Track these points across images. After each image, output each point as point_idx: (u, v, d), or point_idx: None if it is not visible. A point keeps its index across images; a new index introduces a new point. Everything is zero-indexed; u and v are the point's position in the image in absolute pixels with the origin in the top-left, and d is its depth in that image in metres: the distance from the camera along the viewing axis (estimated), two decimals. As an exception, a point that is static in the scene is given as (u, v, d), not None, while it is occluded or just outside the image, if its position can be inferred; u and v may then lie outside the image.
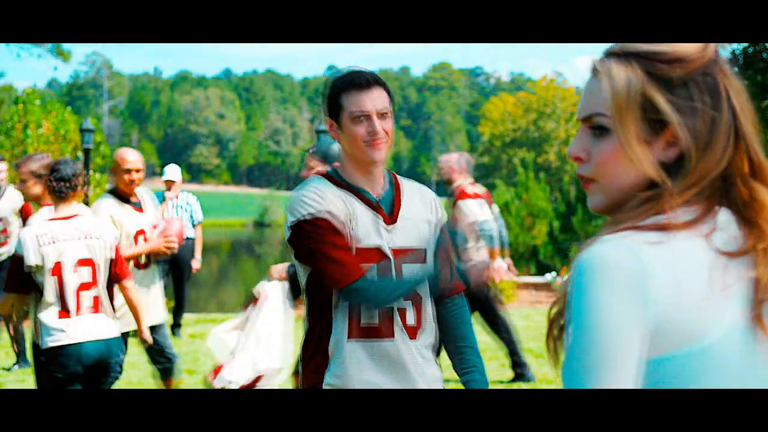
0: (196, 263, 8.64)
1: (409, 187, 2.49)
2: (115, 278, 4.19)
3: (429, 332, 2.43)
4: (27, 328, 6.34)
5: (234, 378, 5.23)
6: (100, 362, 4.08)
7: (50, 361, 3.98)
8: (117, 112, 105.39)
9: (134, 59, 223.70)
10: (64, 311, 4.00)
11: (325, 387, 2.37)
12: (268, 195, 72.27)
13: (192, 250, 8.49)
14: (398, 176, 2.53)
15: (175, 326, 8.76)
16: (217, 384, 5.28)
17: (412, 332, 2.38)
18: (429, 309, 2.43)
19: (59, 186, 4.05)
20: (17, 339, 6.98)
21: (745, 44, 10.30)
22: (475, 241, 6.21)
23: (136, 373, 6.84)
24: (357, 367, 2.33)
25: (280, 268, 4.80)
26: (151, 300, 5.04)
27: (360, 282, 2.27)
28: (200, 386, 6.38)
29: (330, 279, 2.29)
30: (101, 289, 4.11)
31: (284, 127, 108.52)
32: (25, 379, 6.60)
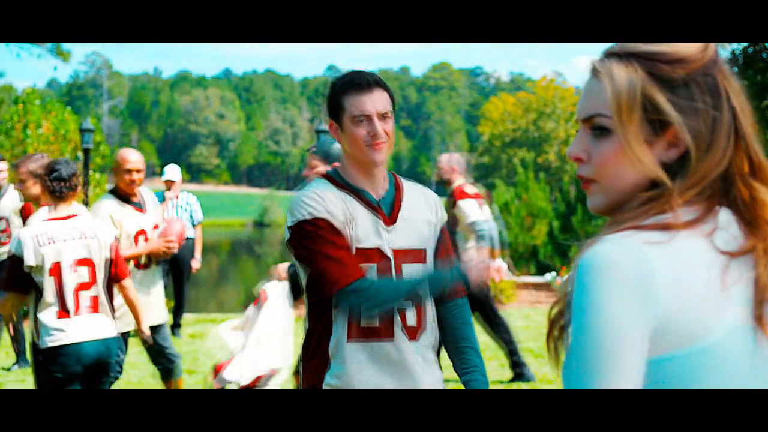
0: (195, 263, 8.64)
1: (410, 188, 2.49)
2: (114, 278, 4.19)
3: (430, 333, 2.43)
4: (27, 328, 6.33)
5: (235, 378, 5.23)
6: (99, 362, 4.08)
7: (49, 361, 3.98)
8: (117, 112, 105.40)
9: (134, 59, 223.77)
10: (63, 311, 4.00)
11: (324, 387, 2.37)
12: (267, 195, 72.26)
13: (192, 250, 8.49)
14: (400, 177, 2.53)
15: (175, 326, 8.76)
16: (218, 383, 5.29)
17: (413, 333, 2.38)
18: (430, 310, 2.43)
19: (57, 186, 4.05)
20: (17, 339, 6.98)
21: (745, 44, 10.30)
22: (473, 241, 6.21)
23: (136, 373, 6.84)
24: (357, 368, 2.33)
25: (281, 268, 4.80)
26: (152, 300, 5.04)
27: (356, 285, 2.27)
28: (200, 386, 6.38)
29: (326, 281, 2.29)
30: (100, 289, 4.11)
31: (284, 127, 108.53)
32: (24, 379, 6.60)
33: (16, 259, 3.98)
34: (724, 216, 1.15)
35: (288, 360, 5.32)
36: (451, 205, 6.22)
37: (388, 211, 2.40)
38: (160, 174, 8.65)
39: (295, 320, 5.42)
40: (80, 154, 11.50)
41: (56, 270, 3.99)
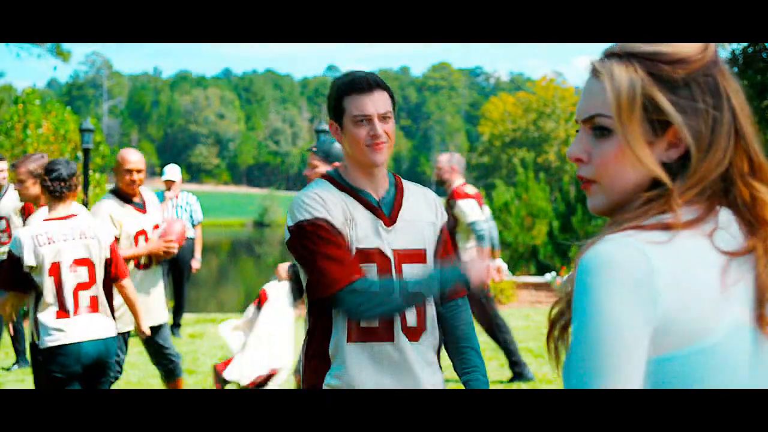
0: (195, 263, 8.64)
1: (411, 190, 2.50)
2: (113, 278, 4.19)
3: (431, 334, 2.43)
4: (27, 328, 6.33)
5: (235, 377, 5.24)
6: (99, 362, 4.08)
7: (49, 361, 3.98)
8: (117, 112, 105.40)
9: (134, 59, 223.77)
10: (63, 311, 4.00)
11: (324, 387, 2.37)
12: (267, 195, 72.25)
13: (192, 250, 8.49)
14: (402, 179, 2.53)
15: (175, 326, 8.76)
16: (219, 383, 5.29)
17: (414, 334, 2.38)
18: (430, 310, 2.43)
19: (56, 186, 4.05)
20: (17, 339, 6.98)
21: (745, 44, 10.30)
22: (472, 241, 6.21)
23: (136, 373, 6.84)
24: (357, 369, 2.33)
25: (282, 268, 4.81)
26: (152, 301, 5.03)
27: (356, 285, 2.28)
28: (200, 386, 6.38)
29: (326, 280, 2.30)
30: (99, 289, 4.11)
31: (284, 126, 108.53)
32: (24, 379, 6.60)
33: (15, 259, 3.98)
34: (725, 216, 1.15)
35: (289, 360, 5.33)
36: (450, 206, 6.23)
37: (388, 211, 2.41)
38: (160, 174, 8.65)
39: (296, 320, 5.42)
40: (80, 154, 11.50)
41: (55, 270, 3.99)
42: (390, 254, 2.36)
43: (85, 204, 10.68)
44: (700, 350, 1.08)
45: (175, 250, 5.02)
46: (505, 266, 6.88)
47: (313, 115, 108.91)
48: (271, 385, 5.21)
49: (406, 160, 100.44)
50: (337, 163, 3.69)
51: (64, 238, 4.02)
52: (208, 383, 6.48)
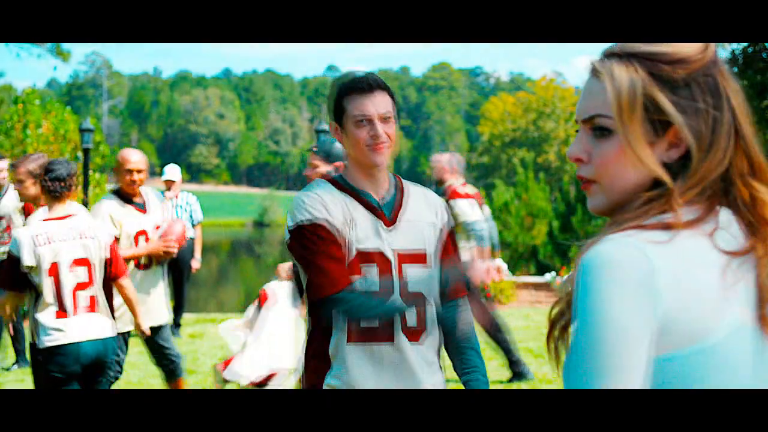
0: (195, 263, 8.64)
1: (413, 191, 2.50)
2: (112, 277, 4.20)
3: (432, 334, 2.43)
4: (27, 327, 6.34)
5: (245, 373, 5.23)
6: (98, 361, 4.09)
7: (48, 361, 3.98)
8: (116, 112, 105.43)
9: (134, 59, 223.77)
10: (62, 311, 4.00)
11: (324, 388, 2.37)
12: (267, 195, 72.28)
13: (192, 250, 8.49)
14: (404, 180, 2.53)
15: (175, 326, 8.76)
16: (227, 376, 5.29)
17: (414, 335, 2.38)
18: (431, 311, 2.43)
19: (55, 186, 4.05)
20: (17, 338, 6.98)
21: (745, 44, 10.30)
22: (467, 241, 6.22)
23: (136, 373, 6.84)
24: (357, 370, 2.33)
25: (284, 268, 4.80)
26: (153, 301, 5.02)
27: (342, 294, 2.29)
28: (201, 386, 6.38)
29: (315, 286, 2.31)
30: (98, 289, 4.12)
31: (284, 126, 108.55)
32: (24, 379, 6.60)
33: (14, 260, 3.98)
34: (725, 216, 1.15)
35: (291, 360, 5.32)
36: (448, 205, 6.21)
37: (389, 212, 2.41)
38: (160, 174, 8.65)
39: (298, 320, 5.42)
40: (80, 154, 11.51)
41: (54, 270, 3.99)
42: (390, 255, 2.36)
43: (85, 204, 10.69)
44: (701, 350, 1.08)
45: (175, 251, 5.02)
46: (505, 266, 6.89)
47: (313, 115, 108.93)
48: (277, 384, 5.21)
49: (406, 160, 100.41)
50: (337, 163, 3.69)
51: (62, 238, 4.02)
52: (208, 383, 6.48)
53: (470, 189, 6.43)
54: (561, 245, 14.55)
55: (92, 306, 4.08)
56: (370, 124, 2.34)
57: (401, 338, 2.35)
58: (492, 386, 5.15)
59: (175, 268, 8.51)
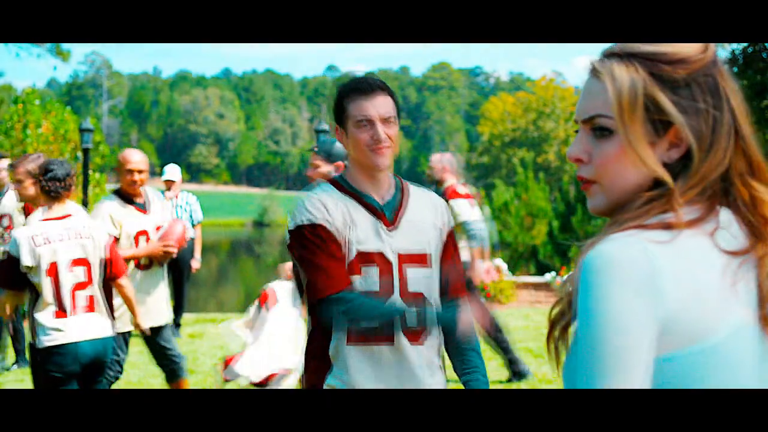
0: (195, 263, 8.64)
1: (416, 193, 2.50)
2: (110, 276, 4.20)
3: (433, 336, 2.43)
4: (26, 327, 6.33)
5: (246, 373, 5.23)
6: (96, 361, 4.09)
7: (47, 361, 3.99)
8: (116, 112, 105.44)
9: (134, 59, 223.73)
10: (61, 311, 4.01)
11: (325, 388, 2.38)
12: (267, 195, 72.29)
13: (191, 250, 8.49)
14: (407, 182, 2.54)
15: (175, 326, 8.76)
16: (228, 375, 5.28)
17: (415, 336, 2.38)
18: (432, 312, 2.43)
19: (52, 186, 4.06)
20: (17, 338, 6.98)
21: (745, 44, 10.30)
22: (465, 241, 6.22)
23: (136, 373, 6.84)
24: (357, 371, 2.33)
25: (287, 267, 4.81)
26: (154, 301, 5.02)
27: (342, 294, 2.29)
28: (200, 386, 6.38)
29: (314, 286, 2.32)
30: (96, 289, 4.12)
31: (283, 126, 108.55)
32: (23, 379, 6.60)
33: (12, 260, 3.99)
34: (725, 216, 1.15)
35: (294, 360, 5.32)
36: None
37: (390, 214, 2.41)
38: (160, 174, 8.65)
39: (300, 320, 5.42)
40: (80, 153, 11.51)
41: (53, 270, 3.99)
42: (392, 257, 2.36)
43: (85, 204, 10.69)
44: (701, 350, 1.08)
45: (175, 253, 5.01)
46: (504, 266, 6.89)
47: (313, 115, 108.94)
48: (284, 384, 5.20)
49: (405, 160, 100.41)
50: (338, 163, 3.70)
51: (60, 238, 4.03)
52: (208, 383, 6.48)
53: (465, 189, 6.44)
54: (561, 245, 14.55)
55: (91, 306, 4.09)
56: (371, 126, 2.35)
57: (401, 339, 2.35)
58: (492, 386, 5.15)
59: (175, 268, 8.51)
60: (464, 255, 6.16)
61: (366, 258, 2.34)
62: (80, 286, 4.06)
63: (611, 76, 1.16)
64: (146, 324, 4.92)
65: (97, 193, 11.56)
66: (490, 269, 6.44)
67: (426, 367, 2.39)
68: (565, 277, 1.20)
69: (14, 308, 4.23)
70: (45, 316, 3.99)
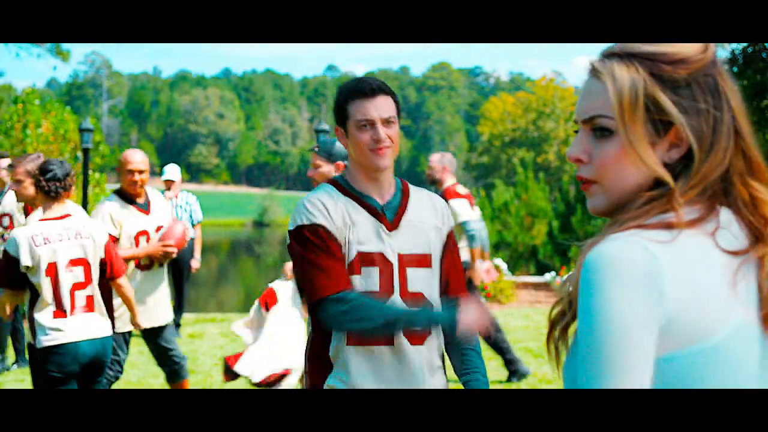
0: (195, 263, 8.64)
1: (417, 195, 2.51)
2: (108, 276, 4.20)
3: (435, 337, 2.44)
4: (26, 327, 6.33)
5: (248, 372, 5.22)
6: (95, 361, 4.09)
7: (46, 360, 3.99)
8: (116, 112, 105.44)
9: (134, 59, 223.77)
10: (60, 311, 4.01)
11: (325, 389, 2.38)
12: (267, 195, 72.28)
13: (191, 250, 8.49)
14: (409, 184, 2.54)
15: (175, 326, 8.76)
16: (229, 375, 5.28)
17: (418, 338, 2.39)
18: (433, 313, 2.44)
19: (51, 186, 4.06)
20: (17, 338, 6.98)
21: (745, 44, 10.30)
22: (463, 241, 6.23)
23: (136, 373, 6.84)
24: (358, 372, 2.34)
25: (289, 267, 4.80)
26: (154, 301, 5.01)
27: (340, 295, 2.29)
28: (200, 386, 6.38)
29: (312, 288, 2.32)
30: (95, 289, 4.13)
31: (283, 126, 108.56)
32: (24, 379, 6.60)
33: (11, 260, 3.99)
34: (725, 216, 1.15)
35: (296, 361, 5.32)
36: None
37: (391, 215, 2.42)
38: (160, 174, 8.65)
39: (301, 320, 5.42)
40: (80, 153, 11.51)
41: (52, 270, 4.00)
42: (393, 258, 2.37)
43: (85, 204, 10.69)
44: (702, 350, 1.08)
45: (174, 253, 5.00)
46: (504, 266, 6.89)
47: (313, 115, 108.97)
48: (285, 384, 5.20)
49: (405, 160, 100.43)
50: (339, 162, 3.71)
51: (59, 238, 4.03)
52: (207, 383, 6.49)
53: (462, 189, 6.45)
54: (561, 245, 14.55)
55: (89, 306, 4.09)
56: (373, 128, 2.35)
57: (402, 340, 2.36)
58: (492, 386, 5.14)
59: (175, 268, 8.51)
60: (464, 255, 6.17)
61: (366, 258, 2.35)
62: (79, 286, 4.06)
63: (612, 76, 1.16)
64: (146, 324, 4.92)
65: (97, 193, 11.56)
66: (490, 269, 6.45)
67: (426, 368, 2.39)
68: (565, 277, 1.20)
69: (14, 308, 4.23)
70: (44, 316, 3.99)
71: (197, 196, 8.95)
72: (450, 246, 2.50)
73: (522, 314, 10.24)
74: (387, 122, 2.37)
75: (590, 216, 14.28)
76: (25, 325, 6.95)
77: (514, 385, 6.36)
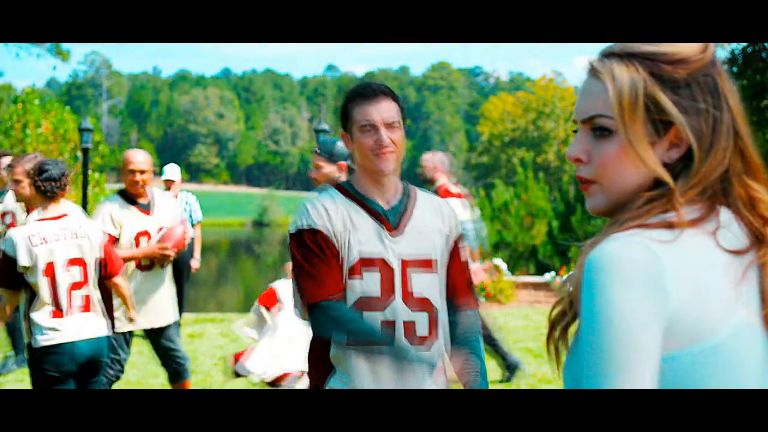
0: (195, 263, 8.63)
1: (423, 199, 2.51)
2: (106, 276, 4.21)
3: (440, 341, 2.44)
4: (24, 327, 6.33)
5: (258, 371, 5.21)
6: (92, 360, 4.10)
7: (43, 360, 3.99)
8: (116, 112, 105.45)
9: (133, 59, 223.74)
10: (57, 310, 4.01)
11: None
12: (267, 194, 72.29)
13: (191, 250, 8.48)
14: (415, 188, 2.55)
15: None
16: (239, 370, 5.27)
17: (422, 342, 2.39)
18: (443, 317, 2.45)
19: (47, 186, 4.06)
20: (14, 337, 6.97)
21: (745, 44, 10.30)
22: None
23: (136, 373, 6.84)
24: (358, 372, 2.34)
25: (290, 267, 4.80)
26: (156, 302, 5.00)
27: (327, 304, 2.30)
28: (200, 386, 6.38)
29: (303, 292, 2.34)
30: (92, 288, 4.13)
31: (283, 126, 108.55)
32: (23, 379, 6.60)
33: (9, 260, 3.99)
34: (725, 215, 1.15)
35: (299, 361, 5.30)
36: None
37: (395, 219, 2.42)
38: (160, 173, 8.64)
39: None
40: (79, 153, 11.51)
41: (50, 270, 4.00)
42: (394, 262, 2.37)
43: (85, 203, 10.69)
44: (702, 350, 1.07)
45: (172, 256, 4.99)
46: (504, 266, 6.89)
47: (313, 115, 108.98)
48: (298, 385, 5.19)
49: (405, 160, 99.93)
50: (341, 163, 3.71)
51: (57, 238, 4.04)
52: (207, 383, 6.48)
53: (457, 189, 6.44)
54: (560, 245, 14.54)
55: (87, 305, 4.10)
56: (375, 131, 2.36)
57: (402, 342, 2.36)
58: (491, 386, 5.14)
59: (175, 268, 8.47)
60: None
61: (367, 262, 2.36)
62: (76, 285, 4.06)
63: (611, 76, 1.16)
64: (147, 324, 4.92)
65: (97, 193, 11.57)
66: (478, 271, 6.41)
67: (427, 369, 2.39)
68: (565, 277, 1.20)
69: (13, 308, 4.23)
70: (42, 315, 4.00)
71: (197, 196, 8.94)
72: (456, 251, 2.49)
73: (522, 314, 10.24)
74: (390, 126, 2.37)
75: (590, 216, 14.27)
76: (25, 325, 6.96)
77: (514, 385, 6.35)
